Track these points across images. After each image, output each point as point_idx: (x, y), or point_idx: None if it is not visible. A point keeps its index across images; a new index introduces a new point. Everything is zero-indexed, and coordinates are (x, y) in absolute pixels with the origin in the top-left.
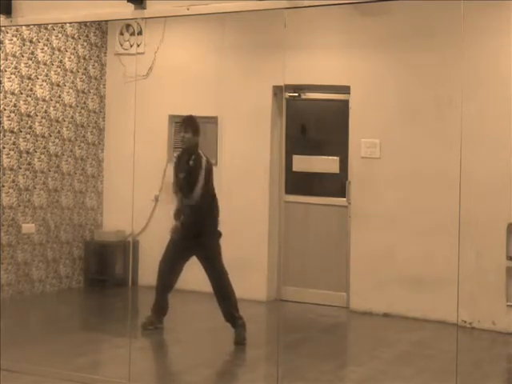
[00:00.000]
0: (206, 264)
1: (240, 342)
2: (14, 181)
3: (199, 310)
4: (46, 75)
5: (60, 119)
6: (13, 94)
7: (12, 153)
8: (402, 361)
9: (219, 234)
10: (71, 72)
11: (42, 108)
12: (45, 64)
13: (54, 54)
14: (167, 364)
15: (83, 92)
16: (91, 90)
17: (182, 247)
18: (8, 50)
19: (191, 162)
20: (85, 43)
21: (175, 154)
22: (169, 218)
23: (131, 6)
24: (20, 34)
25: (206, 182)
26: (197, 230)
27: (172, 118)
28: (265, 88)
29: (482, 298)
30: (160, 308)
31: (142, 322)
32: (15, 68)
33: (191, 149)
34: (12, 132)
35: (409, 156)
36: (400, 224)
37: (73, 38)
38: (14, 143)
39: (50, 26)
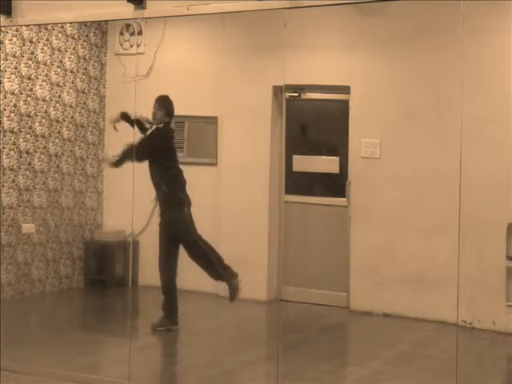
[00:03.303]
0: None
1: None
2: (13, 181)
3: (199, 309)
4: (46, 75)
5: (60, 119)
6: (13, 94)
7: (12, 153)
8: (402, 361)
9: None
10: (71, 72)
11: (42, 108)
12: (45, 64)
13: (53, 54)
14: (167, 364)
15: (83, 92)
16: (91, 90)
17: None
18: (8, 50)
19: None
20: (85, 43)
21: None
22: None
23: (131, 6)
24: (20, 34)
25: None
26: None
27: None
28: (265, 88)
29: (482, 298)
30: (169, 308)
31: (152, 323)
32: (15, 68)
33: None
34: (12, 132)
35: (409, 156)
36: (400, 224)
37: (73, 38)
38: (14, 143)
39: (50, 25)
